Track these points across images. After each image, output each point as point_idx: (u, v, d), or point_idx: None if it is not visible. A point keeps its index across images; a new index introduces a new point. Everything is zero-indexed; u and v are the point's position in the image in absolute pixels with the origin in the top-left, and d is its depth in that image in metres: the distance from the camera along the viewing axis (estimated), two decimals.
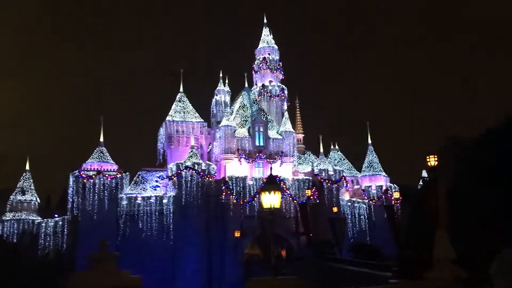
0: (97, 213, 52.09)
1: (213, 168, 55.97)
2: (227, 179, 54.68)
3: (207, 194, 54.08)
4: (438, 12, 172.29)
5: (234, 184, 54.31)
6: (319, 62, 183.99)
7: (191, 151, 56.53)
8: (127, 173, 55.92)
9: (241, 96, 64.42)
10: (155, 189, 56.97)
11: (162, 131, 63.72)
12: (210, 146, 62.25)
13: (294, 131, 62.24)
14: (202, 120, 63.56)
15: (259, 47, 70.56)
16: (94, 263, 13.52)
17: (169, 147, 61.82)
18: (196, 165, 54.31)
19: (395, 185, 65.15)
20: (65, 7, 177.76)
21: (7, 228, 56.88)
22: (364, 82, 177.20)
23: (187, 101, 64.77)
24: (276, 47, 70.44)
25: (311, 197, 53.78)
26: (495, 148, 20.22)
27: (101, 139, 58.34)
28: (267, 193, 12.78)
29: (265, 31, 71.57)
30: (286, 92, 68.04)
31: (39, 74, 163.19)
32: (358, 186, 67.81)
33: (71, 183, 53.89)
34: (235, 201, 53.74)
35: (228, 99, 66.75)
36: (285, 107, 67.34)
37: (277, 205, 12.90)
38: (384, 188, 65.41)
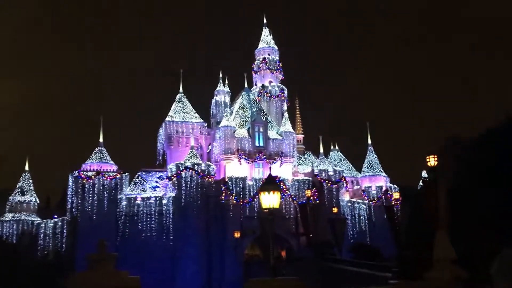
0: (96, 214, 52.01)
1: (213, 168, 55.91)
2: (227, 179, 54.62)
3: (206, 194, 54.02)
4: (438, 12, 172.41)
5: (234, 185, 54.25)
6: (319, 62, 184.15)
7: (191, 152, 56.47)
8: (127, 173, 55.86)
9: (241, 97, 64.37)
10: (155, 190, 56.89)
11: (161, 131, 63.67)
12: (210, 147, 62.19)
13: (294, 132, 62.17)
14: (202, 120, 63.51)
15: (258, 47, 70.53)
16: (93, 264, 13.48)
17: (168, 148, 61.76)
18: (195, 165, 54.25)
19: (395, 186, 65.11)
20: (65, 7, 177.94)
21: (6, 229, 56.82)
22: (364, 82, 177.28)
23: (187, 101, 64.72)
24: (276, 47, 70.41)
25: (311, 198, 53.76)
26: (495, 148, 20.18)
27: (101, 140, 58.27)
28: (266, 193, 12.74)
29: (265, 32, 71.54)
30: (286, 92, 68.02)
31: (39, 74, 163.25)
32: (358, 187, 67.79)
33: (70, 183, 53.84)
34: (235, 201, 53.68)
35: (228, 99, 66.68)
36: (285, 107, 67.30)
37: (276, 205, 12.85)
38: (384, 188, 65.37)
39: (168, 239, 53.11)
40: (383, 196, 64.38)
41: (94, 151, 57.23)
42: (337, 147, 72.96)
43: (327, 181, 58.46)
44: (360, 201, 65.10)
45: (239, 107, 62.61)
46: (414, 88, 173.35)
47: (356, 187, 68.18)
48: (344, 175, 62.26)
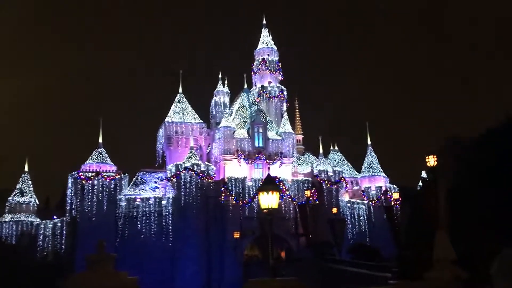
0: (96, 215, 51.94)
1: (212, 169, 55.84)
2: (226, 180, 54.57)
3: (206, 195, 53.97)
4: (438, 12, 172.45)
5: (233, 185, 54.20)
6: (319, 62, 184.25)
7: (190, 152, 56.43)
8: (126, 174, 55.79)
9: (240, 97, 64.35)
10: (154, 190, 56.83)
11: (161, 132, 63.64)
12: (209, 147, 62.14)
13: (293, 132, 62.14)
14: (201, 121, 63.46)
15: (258, 48, 70.52)
16: (92, 265, 13.44)
17: (168, 148, 61.72)
18: (195, 166, 54.19)
19: (395, 186, 65.16)
20: (65, 7, 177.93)
21: (5, 230, 56.72)
22: (364, 82, 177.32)
23: (186, 102, 64.68)
24: (275, 48, 70.41)
25: (311, 198, 53.72)
26: (495, 148, 20.15)
27: (100, 140, 58.21)
28: (265, 193, 12.71)
29: (264, 32, 71.53)
30: (285, 93, 68.04)
31: (39, 74, 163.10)
32: (358, 187, 67.80)
33: (69, 184, 53.77)
34: (234, 202, 53.64)
35: (227, 100, 66.67)
36: (284, 108, 67.27)
37: (275, 206, 12.81)
38: (383, 189, 65.38)
39: (167, 239, 53.05)
40: (382, 197, 64.41)
41: (93, 151, 57.20)
42: (336, 148, 73.00)
43: (326, 182, 58.42)
44: (360, 201, 65.10)
45: (239, 107, 62.59)
46: (414, 88, 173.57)
47: (355, 188, 68.20)
48: (344, 175, 62.25)
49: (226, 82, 67.69)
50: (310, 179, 58.26)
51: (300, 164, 63.48)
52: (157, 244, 52.61)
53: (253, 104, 63.03)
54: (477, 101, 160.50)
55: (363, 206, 64.70)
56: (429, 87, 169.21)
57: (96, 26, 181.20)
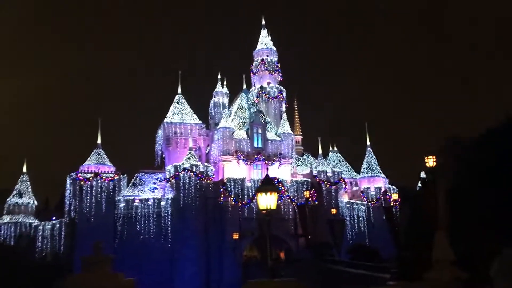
0: (94, 216, 51.83)
1: (211, 170, 55.73)
2: (225, 181, 54.46)
3: (205, 196, 53.86)
4: (438, 12, 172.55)
5: (232, 186, 54.10)
6: (319, 62, 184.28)
7: (189, 153, 56.32)
8: (125, 175, 55.67)
9: (239, 98, 64.26)
10: (153, 191, 56.76)
11: (160, 132, 63.49)
12: (208, 148, 62.04)
13: (292, 133, 62.10)
14: (200, 121, 63.33)
15: (257, 48, 70.46)
16: (88, 266, 13.35)
17: (167, 149, 61.56)
18: (194, 167, 54.08)
19: (394, 187, 65.12)
20: (65, 7, 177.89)
21: (4, 231, 56.62)
22: (364, 82, 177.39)
23: (185, 102, 64.53)
24: (274, 48, 70.35)
25: (310, 199, 53.69)
26: (495, 148, 20.08)
27: (99, 141, 58.09)
28: (263, 194, 12.63)
29: (263, 33, 71.47)
30: (284, 93, 68.00)
31: (39, 74, 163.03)
32: (357, 188, 67.71)
33: (68, 185, 53.65)
34: (233, 203, 53.54)
35: (226, 100, 66.61)
36: (284, 108, 67.22)
37: (274, 206, 12.74)
38: (382, 189, 65.31)
39: (166, 240, 52.94)
40: (382, 197, 64.34)
41: (92, 152, 57.08)
42: (335, 148, 72.93)
43: (325, 182, 58.31)
44: (359, 202, 65.02)
45: (238, 108, 62.51)
46: (414, 88, 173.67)
47: (355, 188, 68.10)
48: (343, 176, 62.12)
49: (225, 83, 67.65)
50: (309, 179, 58.17)
51: (299, 165, 63.42)
52: (156, 245, 52.51)
53: (252, 104, 62.95)
54: (477, 101, 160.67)
55: (363, 207, 64.62)
56: (429, 87, 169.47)
57: (96, 26, 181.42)
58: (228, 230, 52.41)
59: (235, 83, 71.33)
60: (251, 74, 69.49)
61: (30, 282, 45.39)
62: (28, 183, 60.94)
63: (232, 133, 58.21)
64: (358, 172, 69.49)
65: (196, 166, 54.26)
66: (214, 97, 66.95)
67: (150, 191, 56.77)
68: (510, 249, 9.08)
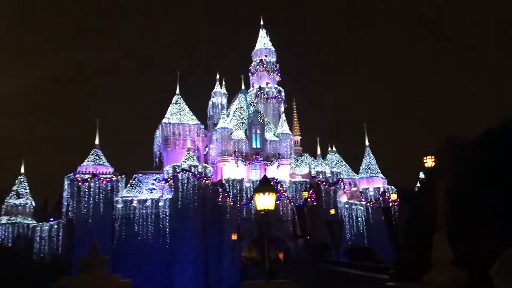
0: (92, 217, 51.63)
1: (210, 170, 55.58)
2: (223, 181, 54.33)
3: (203, 196, 53.72)
4: (438, 12, 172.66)
5: (231, 187, 53.98)
6: (319, 62, 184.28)
7: (188, 154, 56.17)
8: (123, 176, 55.52)
9: (237, 98, 64.19)
10: (151, 192, 56.61)
11: (158, 133, 63.35)
12: (206, 149, 61.94)
13: (291, 133, 62.01)
14: (198, 122, 63.21)
15: (255, 49, 70.38)
16: (85, 267, 13.20)
17: (165, 150, 61.44)
18: (192, 167, 53.92)
19: (393, 187, 65.04)
20: (65, 7, 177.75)
21: (1, 232, 56.44)
22: (364, 82, 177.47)
23: (184, 103, 64.39)
24: (273, 49, 70.28)
25: (309, 200, 53.60)
26: (495, 148, 19.95)
27: (97, 142, 57.90)
28: (261, 194, 12.48)
29: (262, 33, 71.39)
30: (283, 94, 67.89)
31: (39, 74, 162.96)
32: (356, 188, 67.66)
33: (66, 186, 53.49)
34: (232, 203, 53.42)
35: (224, 101, 66.55)
36: (282, 109, 67.14)
37: (272, 207, 12.59)
38: (381, 190, 65.23)
39: (164, 241, 52.78)
40: (380, 198, 64.25)
41: (90, 153, 56.87)
42: (334, 149, 72.90)
43: (324, 183, 58.23)
44: (358, 202, 64.94)
45: (236, 108, 62.42)
46: (414, 88, 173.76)
47: (353, 189, 68.05)
48: (342, 176, 62.06)
49: (223, 83, 67.60)
50: (308, 180, 58.07)
51: (298, 165, 63.31)
52: (155, 246, 52.35)
53: (251, 105, 62.85)
54: (477, 101, 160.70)
55: (361, 207, 64.54)
56: (429, 87, 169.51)
57: (96, 26, 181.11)
58: (226, 230, 52.27)
59: (234, 83, 71.29)
60: (250, 74, 69.42)
61: (28, 283, 45.22)
62: (26, 184, 60.76)
63: (231, 134, 58.09)
64: (357, 172, 69.45)
65: (195, 166, 54.11)
66: (213, 97, 66.86)
67: (148, 191, 56.62)
68: (510, 249, 8.95)
